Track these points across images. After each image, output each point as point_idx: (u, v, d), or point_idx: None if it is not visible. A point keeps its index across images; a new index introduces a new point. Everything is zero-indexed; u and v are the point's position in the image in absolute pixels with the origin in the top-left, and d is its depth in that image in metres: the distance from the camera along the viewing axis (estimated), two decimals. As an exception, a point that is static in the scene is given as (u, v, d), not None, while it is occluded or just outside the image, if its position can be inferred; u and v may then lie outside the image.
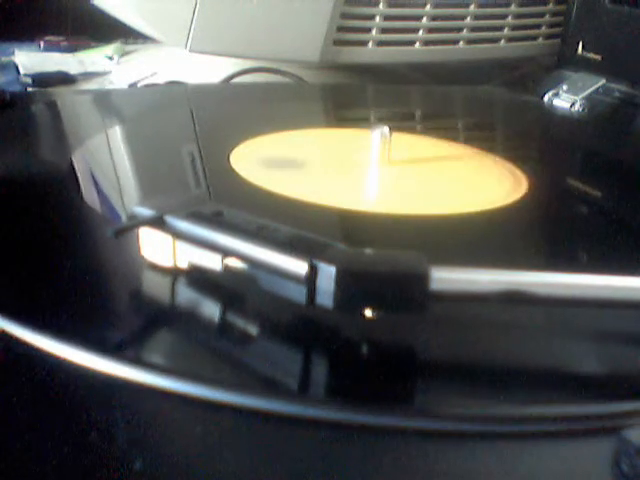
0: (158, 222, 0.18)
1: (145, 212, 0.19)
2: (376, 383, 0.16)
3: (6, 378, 0.15)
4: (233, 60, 0.52)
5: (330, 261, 0.16)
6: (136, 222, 0.19)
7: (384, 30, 0.53)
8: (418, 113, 0.46)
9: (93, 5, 0.53)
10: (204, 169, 0.31)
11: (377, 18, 0.52)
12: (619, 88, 0.46)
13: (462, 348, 0.17)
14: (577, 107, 0.46)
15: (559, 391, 0.16)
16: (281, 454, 0.13)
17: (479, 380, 0.16)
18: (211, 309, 0.18)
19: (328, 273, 0.16)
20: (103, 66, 0.59)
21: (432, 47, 0.55)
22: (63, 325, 0.17)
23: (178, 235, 0.18)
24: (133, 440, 0.13)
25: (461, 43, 0.56)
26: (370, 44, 0.53)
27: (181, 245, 0.18)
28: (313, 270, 0.16)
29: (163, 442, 0.13)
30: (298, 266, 0.16)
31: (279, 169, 0.30)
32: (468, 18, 0.55)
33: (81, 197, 0.25)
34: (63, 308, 0.18)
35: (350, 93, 0.50)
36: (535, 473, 0.13)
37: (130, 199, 0.27)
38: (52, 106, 0.39)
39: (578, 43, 0.50)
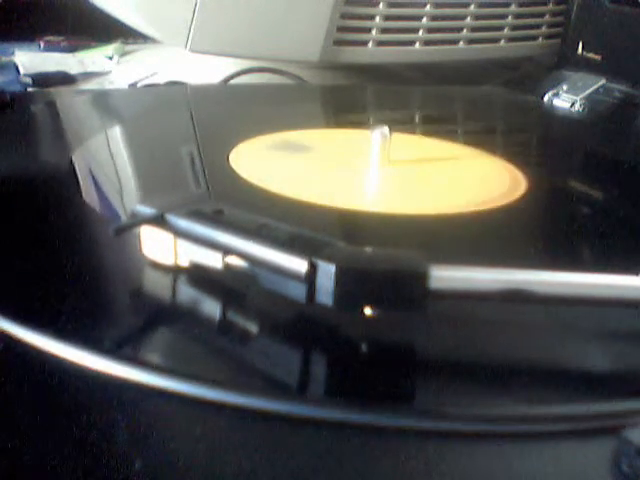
0: (159, 220, 0.19)
1: (146, 210, 0.19)
2: (375, 382, 0.16)
3: (6, 378, 0.15)
4: (233, 60, 0.52)
5: (330, 259, 0.16)
6: (137, 220, 0.19)
7: (384, 30, 0.53)
8: (418, 113, 0.46)
9: (93, 5, 0.53)
10: (204, 169, 0.31)
11: (377, 18, 0.53)
12: (619, 88, 0.46)
13: (461, 347, 0.17)
14: (577, 107, 0.46)
15: (559, 390, 0.16)
16: (281, 454, 0.13)
17: (479, 379, 0.16)
18: (211, 308, 0.18)
19: (328, 271, 0.16)
20: (103, 66, 0.59)
21: (432, 47, 0.55)
22: (63, 324, 0.17)
23: (179, 233, 0.18)
24: (133, 440, 0.13)
25: (461, 43, 0.56)
26: (370, 44, 0.53)
27: (182, 243, 0.18)
28: (313, 268, 0.16)
29: (163, 442, 0.13)
30: (298, 264, 0.16)
31: (282, 157, 0.30)
32: (468, 18, 0.55)
33: (82, 197, 0.25)
34: (64, 307, 0.18)
35: (350, 93, 0.50)
36: (535, 473, 0.13)
37: (130, 199, 0.27)
38: (52, 106, 0.39)
39: (578, 43, 0.50)
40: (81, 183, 0.27)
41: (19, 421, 0.13)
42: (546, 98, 0.48)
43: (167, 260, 0.19)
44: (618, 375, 0.17)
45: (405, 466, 0.13)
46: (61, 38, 0.66)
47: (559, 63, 0.52)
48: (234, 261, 0.18)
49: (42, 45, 0.65)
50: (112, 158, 0.32)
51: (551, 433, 0.14)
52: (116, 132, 0.35)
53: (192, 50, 0.50)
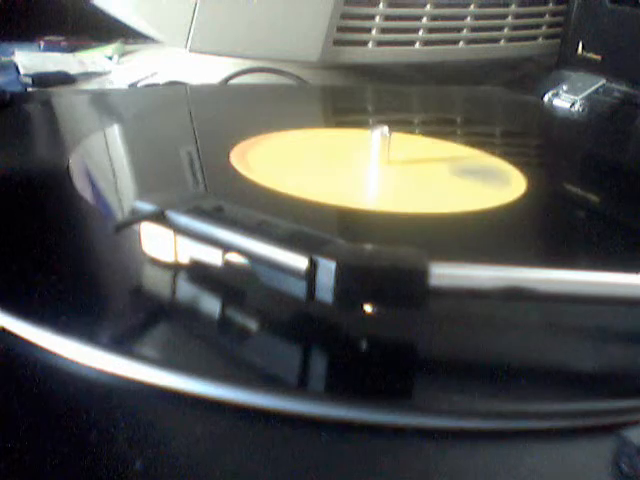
0: (159, 217, 0.18)
1: (146, 207, 0.19)
2: (375, 379, 0.16)
3: (6, 378, 0.15)
4: (233, 60, 0.52)
5: (330, 256, 0.16)
6: (137, 217, 0.19)
7: (384, 30, 0.53)
8: (418, 113, 0.46)
9: (93, 5, 0.53)
10: (204, 168, 0.31)
11: (377, 18, 0.53)
12: (619, 88, 0.46)
13: (461, 345, 0.17)
14: (577, 107, 0.46)
15: (559, 388, 0.16)
16: (281, 453, 0.13)
17: (478, 377, 0.16)
18: (211, 305, 0.18)
19: (328, 268, 0.16)
20: (103, 66, 0.59)
21: (432, 47, 0.55)
22: (64, 321, 0.17)
23: (179, 230, 0.18)
24: (133, 440, 0.13)
25: (461, 43, 0.56)
26: (370, 44, 0.53)
27: (182, 240, 0.18)
28: (313, 265, 0.16)
29: (163, 442, 0.13)
30: (298, 261, 0.16)
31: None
32: (468, 18, 0.56)
33: (82, 195, 0.25)
34: (64, 304, 0.17)
35: (350, 93, 0.51)
36: (535, 473, 0.13)
37: (131, 197, 0.27)
38: (52, 106, 0.39)
39: (578, 43, 0.50)
40: (82, 181, 0.27)
41: (19, 421, 0.13)
42: (546, 98, 0.48)
43: (167, 257, 0.19)
44: (618, 373, 0.17)
45: (405, 466, 0.13)
46: (61, 38, 0.66)
47: (559, 63, 0.52)
48: (234, 258, 0.18)
49: (42, 45, 0.65)
50: (113, 157, 0.32)
51: (551, 432, 0.14)
52: (116, 131, 0.35)
53: (192, 50, 0.50)
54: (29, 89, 0.51)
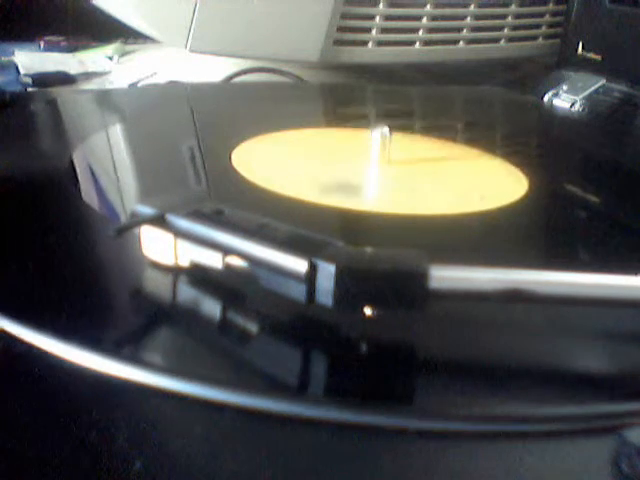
0: (159, 221, 0.18)
1: (146, 211, 0.19)
2: (376, 382, 0.16)
3: (6, 378, 0.15)
4: (233, 60, 0.52)
5: (330, 259, 0.16)
6: (137, 221, 0.19)
7: (384, 30, 0.53)
8: (418, 113, 0.46)
9: (93, 5, 0.53)
10: (205, 168, 0.31)
11: (377, 18, 0.53)
12: (619, 88, 0.46)
13: (461, 347, 0.17)
14: (577, 107, 0.46)
15: (559, 391, 0.16)
16: (281, 454, 0.13)
17: (479, 379, 0.16)
18: (211, 308, 0.18)
19: (328, 271, 0.16)
20: (103, 66, 0.59)
21: (432, 47, 0.55)
22: (64, 324, 0.17)
23: (179, 234, 0.18)
24: (133, 440, 0.13)
25: (461, 43, 0.56)
26: (370, 44, 0.53)
27: (182, 244, 0.18)
28: (313, 268, 0.16)
29: (163, 442, 0.13)
30: (298, 264, 0.16)
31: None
32: (468, 18, 0.56)
33: (82, 197, 0.25)
34: (64, 307, 0.17)
35: (350, 93, 0.51)
36: (535, 473, 0.13)
37: (131, 199, 0.27)
38: (52, 106, 0.39)
39: (578, 43, 0.50)
40: (82, 183, 0.27)
41: (19, 421, 0.13)
42: (546, 98, 0.48)
43: (167, 260, 0.19)
44: (618, 375, 0.17)
45: (405, 466, 0.13)
46: (61, 38, 0.66)
47: (559, 63, 0.52)
48: (234, 261, 0.18)
49: (42, 45, 0.65)
50: (112, 158, 0.32)
51: (551, 433, 0.14)
52: (116, 132, 0.35)
53: (192, 50, 0.50)
54: (29, 89, 0.51)
